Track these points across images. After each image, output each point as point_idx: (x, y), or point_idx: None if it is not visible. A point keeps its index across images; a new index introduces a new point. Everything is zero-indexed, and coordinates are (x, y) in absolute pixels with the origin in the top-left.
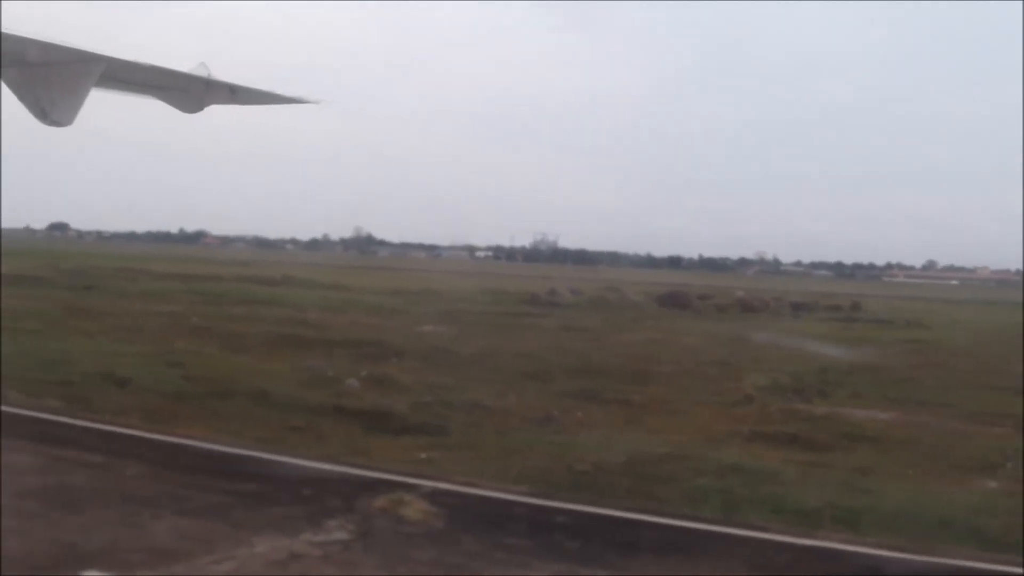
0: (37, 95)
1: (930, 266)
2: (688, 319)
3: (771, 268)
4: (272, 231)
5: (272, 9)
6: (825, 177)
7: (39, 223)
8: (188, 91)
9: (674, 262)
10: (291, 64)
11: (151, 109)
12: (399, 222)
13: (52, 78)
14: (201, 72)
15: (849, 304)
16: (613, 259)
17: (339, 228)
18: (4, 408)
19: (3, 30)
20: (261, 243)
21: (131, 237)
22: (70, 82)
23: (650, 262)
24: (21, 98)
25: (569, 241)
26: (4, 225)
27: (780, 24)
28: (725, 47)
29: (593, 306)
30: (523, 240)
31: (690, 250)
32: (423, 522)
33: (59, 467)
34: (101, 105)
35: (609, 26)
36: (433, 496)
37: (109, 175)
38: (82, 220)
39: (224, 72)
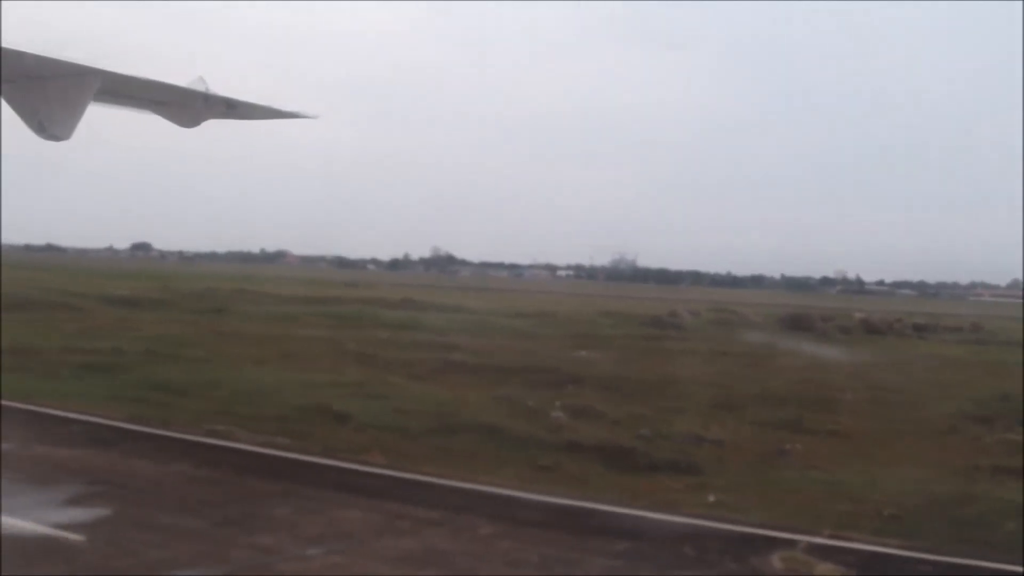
0: (35, 109)
1: (1015, 285)
2: (821, 342)
3: (854, 287)
4: (349, 250)
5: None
6: (901, 195)
7: (121, 243)
8: (185, 106)
9: (756, 281)
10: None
11: (225, 127)
12: (474, 241)
13: (49, 92)
14: (199, 86)
15: (968, 325)
16: (695, 278)
17: (417, 247)
18: (249, 447)
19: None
20: (342, 263)
21: (212, 257)
22: (67, 96)
23: (731, 281)
24: (18, 112)
25: (646, 259)
26: (87, 244)
27: (868, 35)
28: (813, 69)
29: (719, 328)
30: (601, 259)
31: (769, 268)
32: None
33: (402, 526)
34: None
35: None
36: (822, 553)
37: (185, 194)
38: (161, 239)
39: (256, 80)
